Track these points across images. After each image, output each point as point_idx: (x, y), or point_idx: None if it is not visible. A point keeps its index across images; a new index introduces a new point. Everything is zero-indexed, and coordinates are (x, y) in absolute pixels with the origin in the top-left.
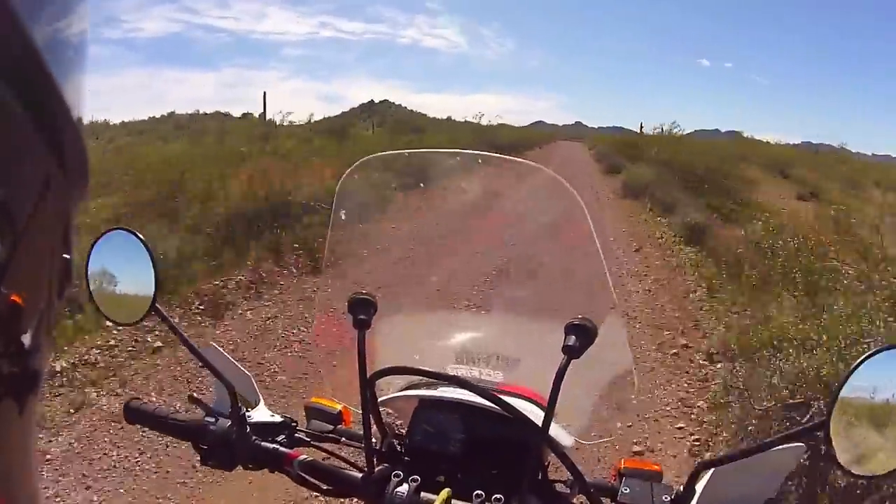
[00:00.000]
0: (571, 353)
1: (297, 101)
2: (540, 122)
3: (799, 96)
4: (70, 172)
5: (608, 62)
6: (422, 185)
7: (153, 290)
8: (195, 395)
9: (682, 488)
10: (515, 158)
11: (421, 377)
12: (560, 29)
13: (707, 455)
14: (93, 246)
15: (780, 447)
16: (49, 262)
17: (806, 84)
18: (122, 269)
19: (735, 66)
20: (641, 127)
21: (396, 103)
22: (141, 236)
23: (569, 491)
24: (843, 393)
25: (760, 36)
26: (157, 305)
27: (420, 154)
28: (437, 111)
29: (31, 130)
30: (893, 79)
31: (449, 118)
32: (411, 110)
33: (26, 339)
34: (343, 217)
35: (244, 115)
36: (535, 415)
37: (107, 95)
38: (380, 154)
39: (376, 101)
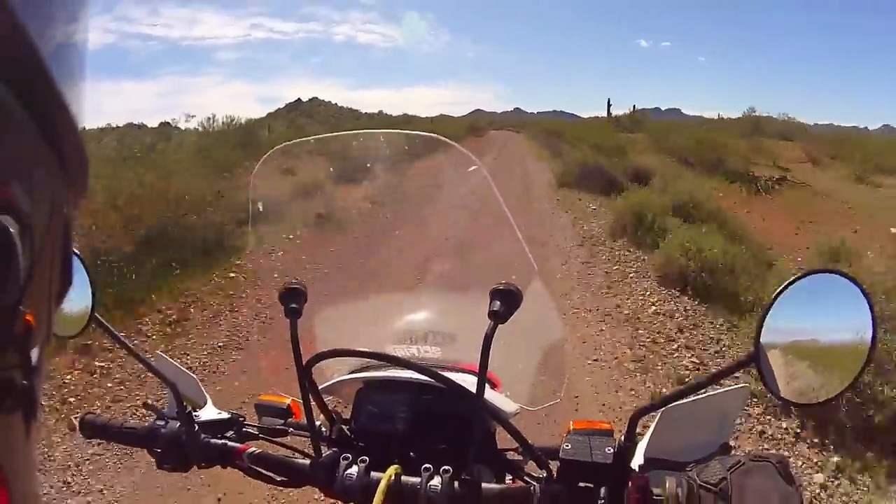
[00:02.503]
0: (497, 317)
1: (237, 104)
2: (478, 110)
3: (736, 71)
4: (70, 174)
5: (544, 48)
6: (331, 169)
7: (90, 301)
8: (149, 401)
9: (622, 437)
10: (417, 132)
11: (362, 361)
12: (494, 18)
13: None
14: None
15: (725, 389)
16: (49, 264)
17: (742, 58)
18: None
19: (673, 45)
20: (609, 105)
21: (326, 100)
22: (76, 250)
23: (520, 458)
24: (768, 321)
25: (697, 13)
26: (97, 315)
27: (325, 139)
28: (371, 106)
29: (31, 131)
30: (831, 49)
31: (381, 112)
32: (341, 107)
33: (35, 354)
34: (260, 209)
35: (162, 124)
36: (474, 386)
37: None
38: (288, 143)
39: (304, 99)
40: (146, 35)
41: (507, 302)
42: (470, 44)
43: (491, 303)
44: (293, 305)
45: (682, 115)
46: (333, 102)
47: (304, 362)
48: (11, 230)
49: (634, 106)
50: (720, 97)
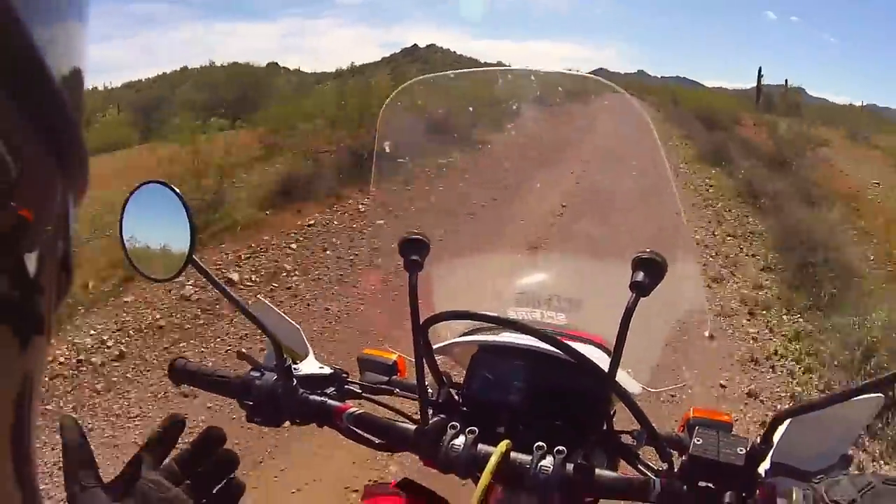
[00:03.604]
0: (640, 290)
1: (358, 48)
2: (601, 69)
3: (866, 55)
4: (70, 172)
5: (672, 9)
6: (470, 108)
7: (189, 243)
8: (244, 351)
9: (758, 439)
10: (577, 73)
11: (479, 322)
12: None
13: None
14: (126, 201)
15: (858, 398)
16: (49, 264)
17: (874, 42)
18: (157, 224)
19: (801, 21)
20: (760, 77)
21: (445, 48)
22: (175, 188)
23: (634, 443)
24: None
25: None
26: (195, 258)
27: (467, 74)
28: (493, 58)
29: (30, 131)
30: None
31: (499, 63)
32: (460, 55)
33: (30, 262)
34: (387, 149)
35: (269, 65)
36: (601, 360)
37: (159, 52)
38: (422, 77)
39: (421, 45)
40: None
41: (651, 273)
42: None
43: (634, 273)
44: (414, 257)
45: (807, 97)
46: (452, 50)
47: (421, 321)
48: None
49: (787, 81)
50: (845, 81)
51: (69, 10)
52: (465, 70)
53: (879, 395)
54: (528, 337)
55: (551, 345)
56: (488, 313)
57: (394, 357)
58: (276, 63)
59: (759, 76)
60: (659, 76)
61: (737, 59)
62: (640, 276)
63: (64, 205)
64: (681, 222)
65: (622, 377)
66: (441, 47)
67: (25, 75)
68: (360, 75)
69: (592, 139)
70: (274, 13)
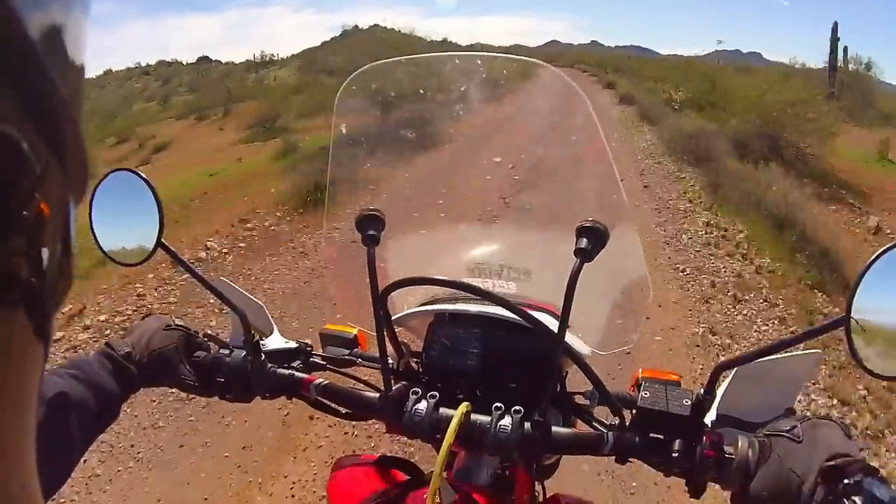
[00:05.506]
0: (584, 256)
1: (306, 34)
2: (554, 41)
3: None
4: (70, 172)
5: None
6: (421, 91)
7: (158, 227)
8: (209, 332)
9: (701, 391)
10: (518, 57)
11: (436, 293)
12: None
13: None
14: (95, 189)
15: (798, 353)
16: (49, 265)
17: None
18: (126, 210)
19: None
20: (836, 39)
21: (389, 28)
22: (143, 174)
23: (588, 402)
24: (863, 287)
25: None
26: (164, 241)
27: (418, 59)
28: (439, 35)
29: (30, 130)
30: None
31: (445, 40)
32: (405, 34)
33: (45, 254)
34: (344, 131)
35: (200, 59)
36: (551, 325)
37: (104, 53)
38: (377, 63)
39: (364, 26)
40: None
41: (593, 240)
42: None
43: (577, 240)
44: (371, 232)
45: (764, 61)
46: (397, 29)
47: (379, 291)
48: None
49: (847, 50)
50: (799, 46)
51: (69, 8)
52: (414, 56)
53: (817, 351)
54: (483, 304)
55: (505, 308)
56: (444, 278)
57: (354, 331)
58: (207, 56)
59: (835, 38)
60: (613, 45)
61: (691, 25)
62: (584, 242)
63: (65, 205)
64: (620, 193)
65: (572, 341)
66: (385, 27)
67: (25, 73)
68: (270, 66)
69: (536, 117)
70: (222, 4)
